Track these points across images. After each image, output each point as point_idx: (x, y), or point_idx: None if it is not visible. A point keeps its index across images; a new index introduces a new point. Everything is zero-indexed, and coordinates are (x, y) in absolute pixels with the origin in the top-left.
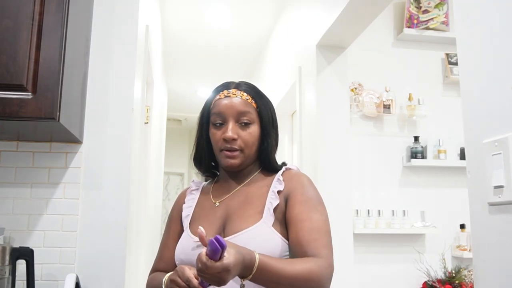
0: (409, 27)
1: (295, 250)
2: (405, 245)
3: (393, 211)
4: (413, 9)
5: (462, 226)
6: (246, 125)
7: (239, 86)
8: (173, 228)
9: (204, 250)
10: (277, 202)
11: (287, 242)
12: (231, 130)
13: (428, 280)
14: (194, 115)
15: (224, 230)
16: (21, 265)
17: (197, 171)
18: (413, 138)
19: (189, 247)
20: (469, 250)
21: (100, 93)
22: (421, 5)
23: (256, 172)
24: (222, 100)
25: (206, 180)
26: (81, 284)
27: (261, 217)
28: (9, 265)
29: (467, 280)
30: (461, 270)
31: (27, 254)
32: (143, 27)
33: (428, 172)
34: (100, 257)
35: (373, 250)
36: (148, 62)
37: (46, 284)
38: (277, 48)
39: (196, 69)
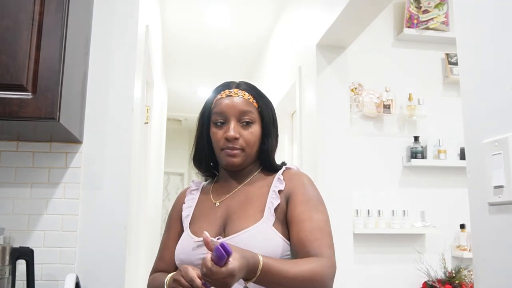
0: (409, 27)
1: (298, 251)
2: (405, 245)
3: (393, 211)
4: (413, 9)
5: (462, 226)
6: (247, 124)
7: (240, 85)
8: (173, 228)
9: (209, 255)
10: (278, 201)
11: (287, 242)
12: (233, 129)
13: (428, 280)
14: (194, 115)
15: (224, 230)
16: (21, 265)
17: (197, 171)
18: (413, 138)
19: (189, 247)
20: (469, 250)
21: (100, 93)
22: (421, 5)
23: (256, 172)
24: (223, 100)
25: (206, 180)
26: (81, 284)
27: (262, 216)
28: (9, 265)
29: (467, 280)
30: (461, 270)
31: (27, 254)
32: (143, 27)
33: (428, 172)
34: (100, 257)
35: (373, 250)
36: (148, 62)
37: (46, 284)
38: (277, 48)
39: (196, 69)
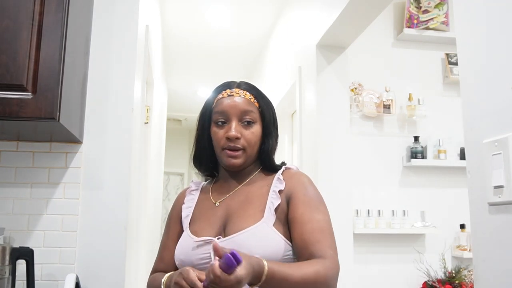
0: (409, 27)
1: (300, 252)
2: (405, 245)
3: (393, 211)
4: (413, 9)
5: (462, 226)
6: (249, 124)
7: (240, 85)
8: (173, 229)
9: (216, 262)
10: (278, 201)
11: (288, 242)
12: (234, 128)
13: (428, 280)
14: (194, 115)
15: (224, 229)
16: (21, 265)
17: (197, 171)
18: (413, 138)
19: (189, 248)
20: (469, 250)
21: (100, 93)
22: (421, 5)
23: (256, 172)
24: (225, 99)
25: (206, 180)
26: (81, 284)
27: (262, 216)
28: (9, 265)
29: (467, 280)
30: (461, 270)
31: (27, 254)
32: (143, 27)
33: (428, 172)
34: (100, 257)
35: (373, 250)
36: (148, 62)
37: (46, 284)
38: (277, 48)
39: (196, 69)
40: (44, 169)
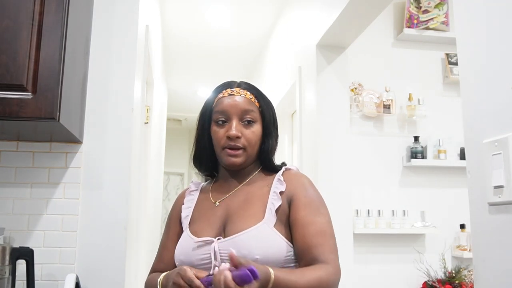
0: (409, 27)
1: (302, 255)
2: (405, 245)
3: (393, 211)
4: (413, 9)
5: (462, 226)
6: (249, 123)
7: (241, 85)
8: (172, 229)
9: (228, 273)
10: (279, 203)
11: (290, 243)
12: (235, 128)
13: (428, 280)
14: (194, 115)
15: (224, 230)
16: (21, 265)
17: (197, 171)
18: (413, 138)
19: (189, 248)
20: (469, 250)
21: (100, 93)
22: (421, 5)
23: (256, 172)
24: (225, 98)
25: (206, 180)
26: (81, 284)
27: (263, 217)
28: (9, 265)
29: (467, 280)
30: (461, 270)
31: (27, 254)
32: (143, 27)
33: (428, 172)
34: (100, 257)
35: (373, 250)
36: (148, 62)
37: (46, 284)
38: (277, 48)
39: (196, 69)
40: (44, 169)
